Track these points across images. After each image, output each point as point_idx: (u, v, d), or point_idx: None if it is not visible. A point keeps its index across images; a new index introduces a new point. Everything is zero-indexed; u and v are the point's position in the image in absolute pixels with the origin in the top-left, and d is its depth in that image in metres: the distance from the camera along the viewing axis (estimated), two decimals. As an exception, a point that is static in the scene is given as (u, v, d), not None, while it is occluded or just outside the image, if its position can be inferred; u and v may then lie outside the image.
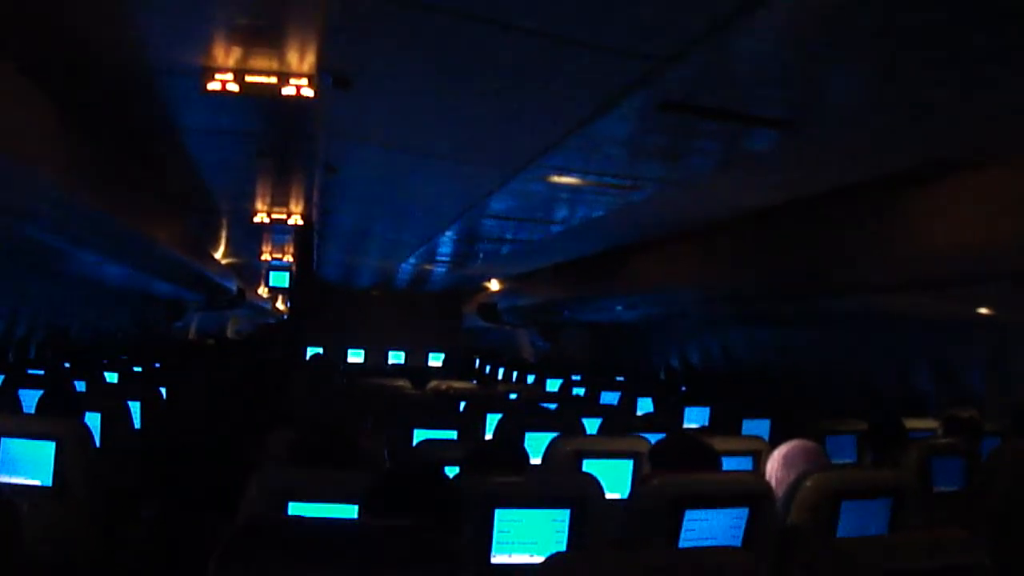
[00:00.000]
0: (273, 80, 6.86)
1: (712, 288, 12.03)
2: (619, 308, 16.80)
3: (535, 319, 24.05)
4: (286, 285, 23.78)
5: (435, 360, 26.06)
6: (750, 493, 4.69)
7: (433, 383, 12.08)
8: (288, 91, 6.86)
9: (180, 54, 6.73)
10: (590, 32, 5.38)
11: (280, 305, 39.82)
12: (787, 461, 5.52)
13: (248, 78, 6.85)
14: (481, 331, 30.17)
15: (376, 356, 26.29)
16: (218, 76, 6.82)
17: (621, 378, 15.60)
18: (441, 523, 3.51)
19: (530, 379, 16.42)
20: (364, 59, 6.35)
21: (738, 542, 4.58)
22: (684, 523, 4.44)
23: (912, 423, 7.84)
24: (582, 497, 4.43)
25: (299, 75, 6.87)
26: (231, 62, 6.80)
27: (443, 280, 24.99)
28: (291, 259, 21.33)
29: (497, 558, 4.29)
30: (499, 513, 4.25)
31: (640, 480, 5.33)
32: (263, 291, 33.82)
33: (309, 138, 9.03)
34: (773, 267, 10.21)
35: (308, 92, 6.87)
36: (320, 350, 23.27)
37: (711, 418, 9.91)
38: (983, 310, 8.64)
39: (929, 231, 7.62)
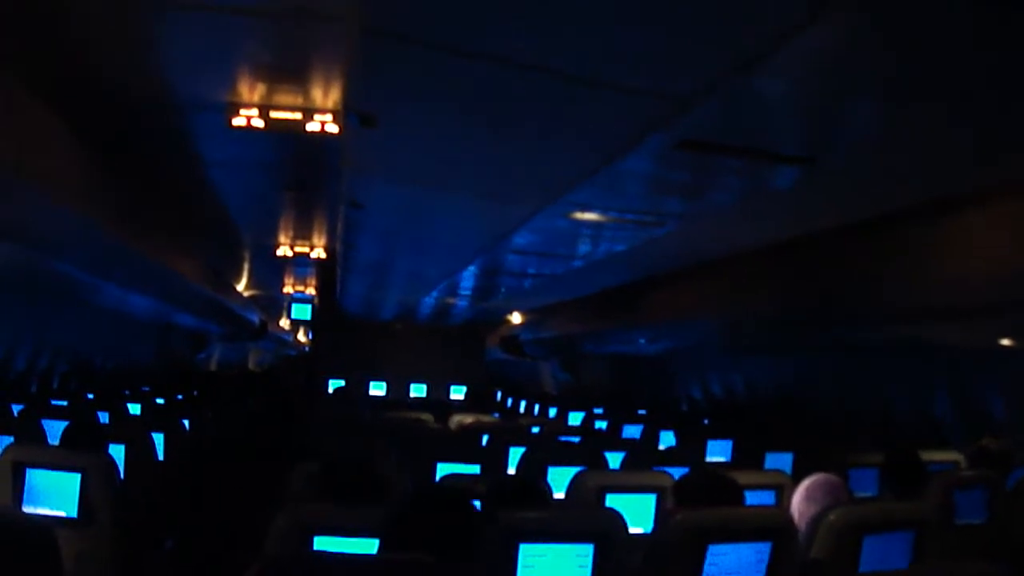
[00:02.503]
0: (298, 116, 6.90)
1: (733, 319, 12.01)
2: (641, 340, 16.78)
3: (557, 351, 24.01)
4: (308, 318, 23.80)
5: (457, 393, 26.01)
6: (773, 527, 4.70)
7: (456, 417, 12.08)
8: (313, 127, 6.90)
9: (206, 90, 6.79)
10: (611, 73, 5.42)
11: (302, 337, 39.86)
12: (809, 495, 5.53)
13: (273, 114, 6.88)
14: (503, 364, 30.09)
15: (398, 389, 26.27)
16: (243, 112, 6.86)
17: (643, 411, 15.59)
18: (464, 551, 3.52)
19: (552, 412, 16.40)
20: (389, 98, 6.39)
21: (762, 577, 4.59)
22: (707, 558, 4.45)
23: (934, 455, 7.83)
24: (606, 532, 4.44)
25: (324, 111, 6.91)
26: (256, 98, 6.85)
27: (465, 313, 24.96)
28: (313, 292, 21.37)
29: (521, 593, 4.30)
30: (524, 548, 4.26)
31: (663, 515, 5.35)
32: (285, 323, 33.89)
33: (333, 173, 9.06)
34: (794, 298, 10.20)
35: (333, 129, 6.90)
36: (342, 383, 23.28)
37: (734, 451, 9.91)
38: (1005, 341, 8.62)
39: (950, 262, 7.61)
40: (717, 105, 5.65)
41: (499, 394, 23.27)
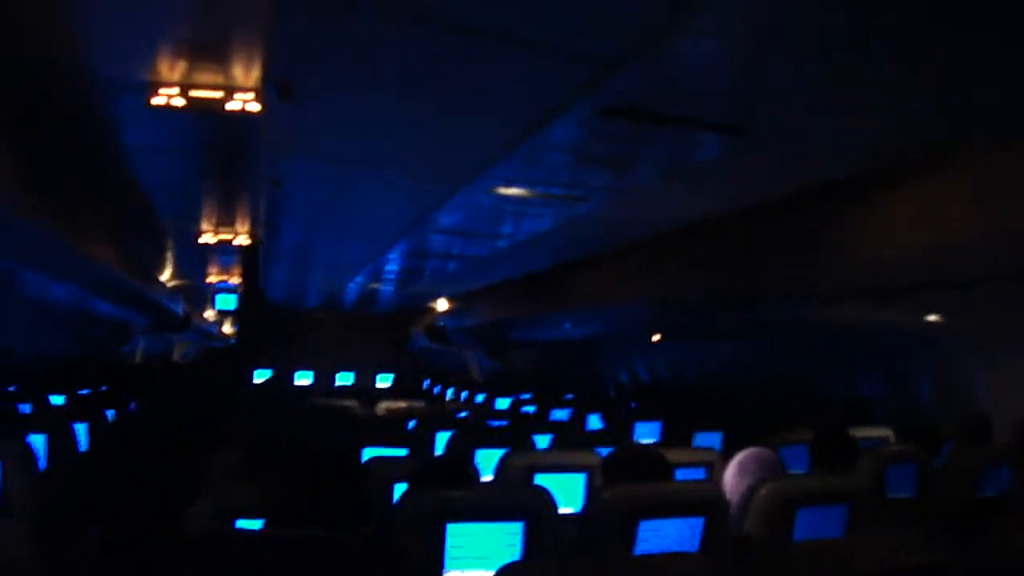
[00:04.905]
0: (219, 95, 6.81)
1: (658, 301, 12.02)
2: (567, 325, 16.79)
3: (483, 339, 24.02)
4: (233, 308, 23.63)
5: (383, 381, 25.96)
6: (704, 502, 4.65)
7: (383, 404, 12.02)
8: (233, 105, 6.82)
9: (125, 69, 6.67)
10: (534, 32, 5.33)
11: (227, 329, 39.58)
12: (742, 468, 5.52)
13: (193, 92, 6.80)
14: (430, 352, 30.13)
15: (325, 378, 26.15)
16: (163, 91, 6.78)
17: (571, 396, 15.59)
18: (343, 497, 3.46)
19: (480, 399, 16.40)
20: (306, 66, 6.29)
21: (694, 551, 4.54)
22: (638, 534, 4.39)
23: (864, 431, 7.83)
24: (535, 510, 4.37)
25: (244, 89, 6.82)
26: (176, 76, 6.76)
27: (391, 300, 24.94)
28: (238, 280, 21.23)
29: (450, 574, 4.22)
30: (451, 527, 4.19)
31: (592, 492, 5.29)
32: (210, 314, 33.61)
33: (254, 153, 8.96)
34: (719, 277, 10.22)
35: (253, 107, 6.83)
36: (268, 373, 23.16)
37: (663, 432, 9.89)
38: (932, 317, 8.66)
39: (876, 238, 7.63)
40: (641, 69, 5.58)
41: (426, 382, 23.26)
